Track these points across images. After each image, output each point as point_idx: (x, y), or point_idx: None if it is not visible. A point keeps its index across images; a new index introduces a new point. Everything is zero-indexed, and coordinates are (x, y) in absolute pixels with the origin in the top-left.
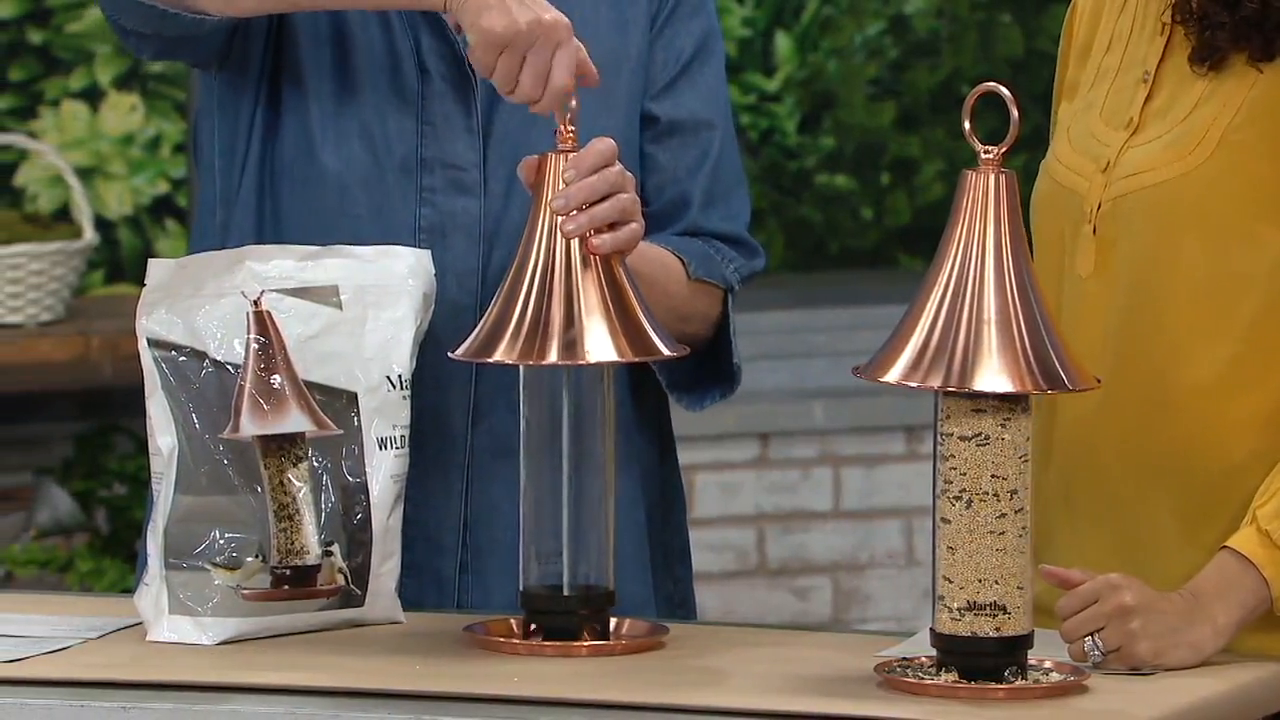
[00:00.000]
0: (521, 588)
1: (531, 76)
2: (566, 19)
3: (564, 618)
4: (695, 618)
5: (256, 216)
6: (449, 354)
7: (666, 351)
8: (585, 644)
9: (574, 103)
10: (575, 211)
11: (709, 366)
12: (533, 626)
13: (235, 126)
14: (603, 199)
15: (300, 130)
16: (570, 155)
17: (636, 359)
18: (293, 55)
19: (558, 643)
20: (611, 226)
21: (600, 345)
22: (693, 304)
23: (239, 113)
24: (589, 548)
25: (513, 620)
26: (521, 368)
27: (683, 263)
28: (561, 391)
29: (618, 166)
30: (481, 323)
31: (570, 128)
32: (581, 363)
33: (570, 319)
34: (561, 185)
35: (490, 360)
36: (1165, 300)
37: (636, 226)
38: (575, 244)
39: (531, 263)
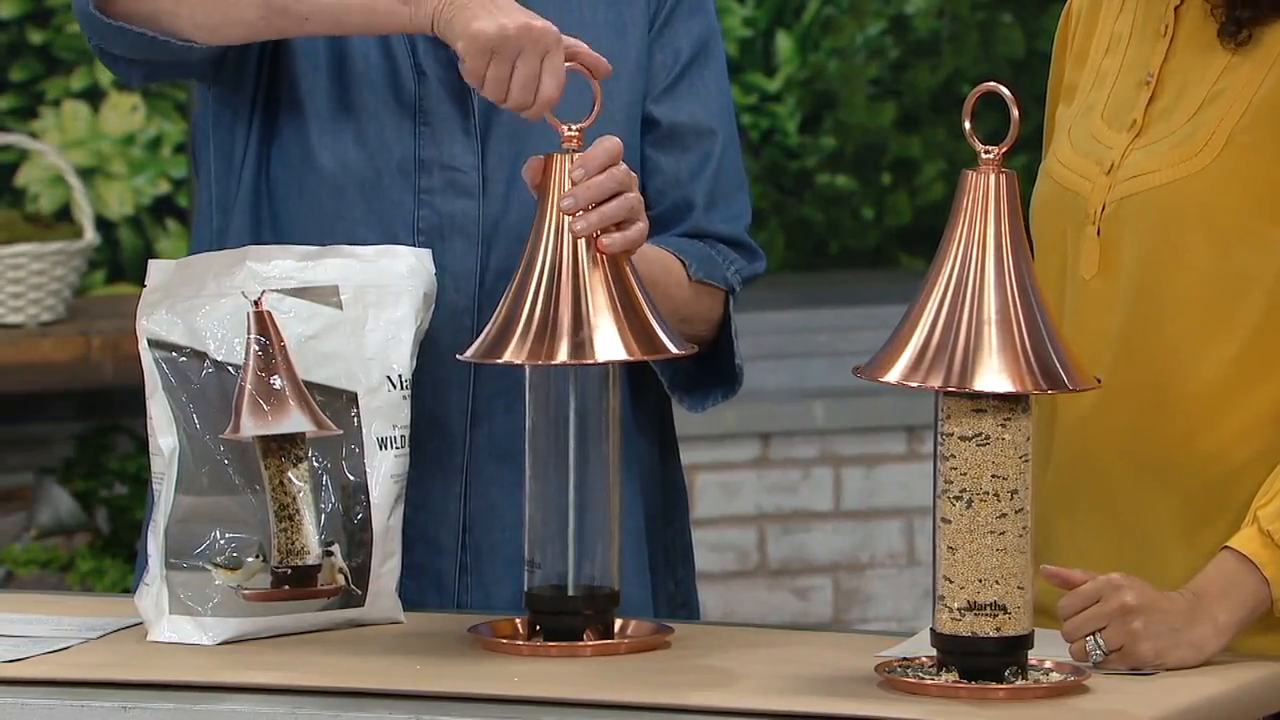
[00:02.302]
0: (526, 588)
1: (521, 84)
2: (555, 27)
3: (568, 618)
4: (698, 618)
5: (254, 220)
6: (457, 355)
7: (675, 350)
8: (589, 644)
9: (596, 106)
10: (584, 211)
11: (710, 367)
12: (537, 627)
13: (232, 132)
14: (610, 198)
15: (297, 134)
16: (577, 155)
17: (645, 358)
18: (289, 60)
19: (562, 643)
20: (619, 225)
21: (609, 344)
22: (694, 305)
23: (236, 119)
24: (594, 548)
25: (517, 621)
26: (528, 369)
27: (684, 264)
28: (568, 392)
29: (624, 165)
30: (489, 324)
31: (574, 128)
32: (590, 362)
33: (579, 319)
34: (569, 184)
35: (499, 361)
36: (1169, 301)
37: (643, 225)
38: (583, 244)
39: (539, 263)
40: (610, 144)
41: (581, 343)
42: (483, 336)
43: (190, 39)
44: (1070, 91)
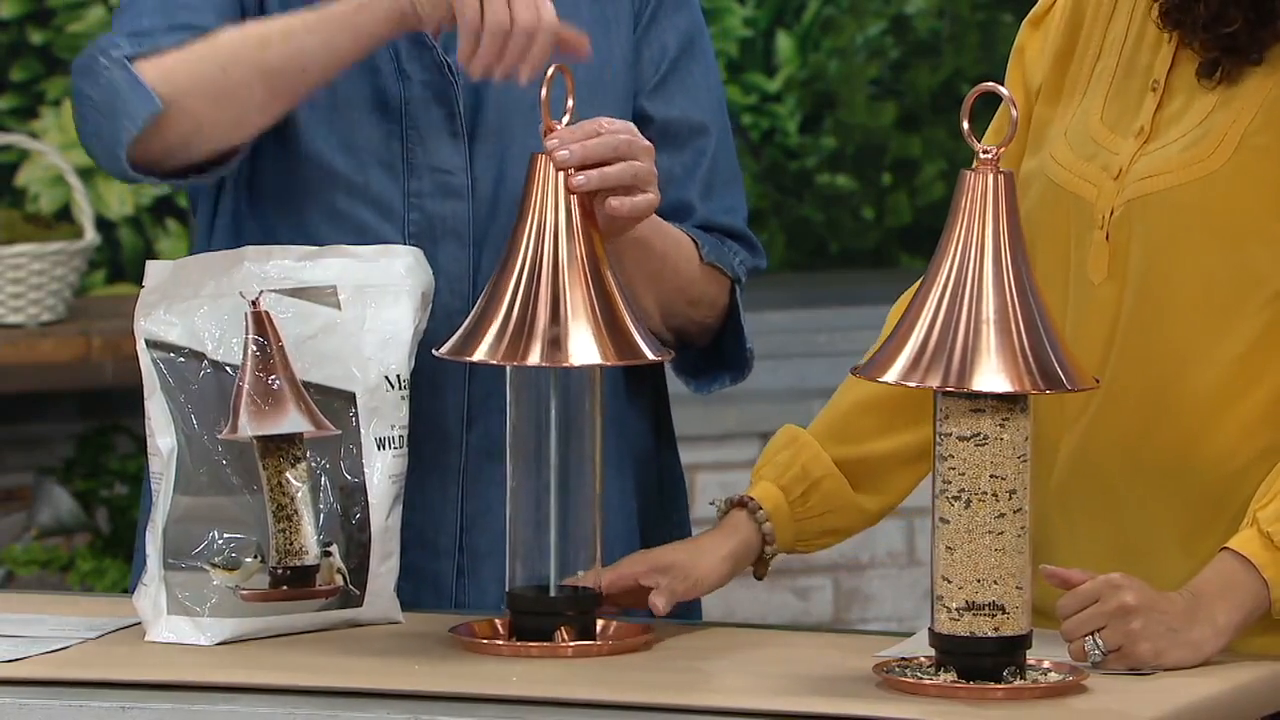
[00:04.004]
0: (507, 588)
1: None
2: None
3: (549, 619)
4: (699, 613)
5: (251, 229)
6: (433, 351)
7: (651, 355)
8: (570, 645)
9: (570, 102)
10: (577, 163)
11: (717, 353)
12: (518, 627)
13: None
14: (611, 162)
15: (285, 141)
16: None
17: (620, 363)
18: None
19: (543, 643)
20: (627, 191)
21: (584, 348)
22: (703, 287)
23: None
24: (576, 549)
25: (497, 621)
26: (509, 369)
27: (696, 244)
28: (549, 393)
29: (627, 136)
30: (466, 321)
31: (559, 124)
32: (564, 365)
33: (555, 320)
34: (555, 179)
35: (471, 359)
36: (1175, 302)
37: (652, 196)
38: (562, 246)
39: (518, 263)
40: (597, 121)
41: (555, 345)
42: (458, 334)
43: (221, 145)
44: (1053, 92)
